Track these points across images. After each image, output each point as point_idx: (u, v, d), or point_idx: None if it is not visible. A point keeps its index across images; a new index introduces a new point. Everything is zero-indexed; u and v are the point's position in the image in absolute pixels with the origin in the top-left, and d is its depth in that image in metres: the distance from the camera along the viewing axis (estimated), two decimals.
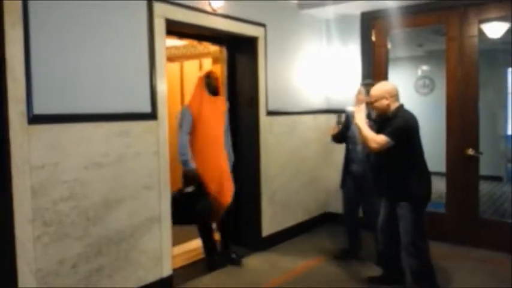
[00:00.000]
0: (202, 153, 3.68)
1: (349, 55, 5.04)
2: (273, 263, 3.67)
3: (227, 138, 3.96)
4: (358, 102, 3.70)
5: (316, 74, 5.08)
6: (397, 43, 5.76)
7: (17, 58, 2.45)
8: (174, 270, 3.44)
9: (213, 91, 3.80)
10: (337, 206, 5.05)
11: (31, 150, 2.51)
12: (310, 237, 4.72)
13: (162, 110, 3.29)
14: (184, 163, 3.63)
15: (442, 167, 4.61)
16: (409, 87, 8.50)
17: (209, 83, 3.77)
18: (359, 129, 3.08)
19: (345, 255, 4.03)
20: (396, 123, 2.99)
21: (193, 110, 3.68)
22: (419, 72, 8.73)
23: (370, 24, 4.90)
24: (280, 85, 4.53)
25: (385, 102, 3.07)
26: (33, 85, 2.52)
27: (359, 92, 3.79)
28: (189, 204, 3.58)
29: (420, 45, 7.54)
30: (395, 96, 3.10)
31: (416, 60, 8.49)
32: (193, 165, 3.62)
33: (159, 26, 3.26)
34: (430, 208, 4.88)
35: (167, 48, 3.48)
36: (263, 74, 4.27)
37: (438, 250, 4.18)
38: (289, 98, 4.68)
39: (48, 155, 2.60)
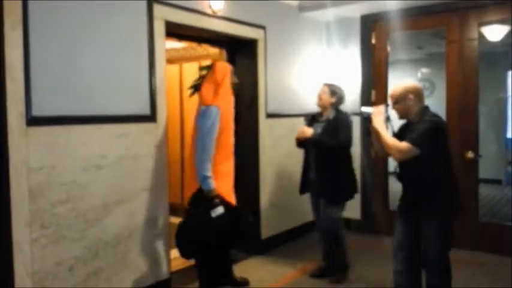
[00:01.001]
0: (220, 166, 3.09)
1: (349, 58, 5.03)
2: (272, 267, 3.65)
3: None
4: (320, 102, 3.65)
5: (316, 77, 5.07)
6: (397, 46, 5.75)
7: (17, 60, 2.45)
8: (172, 273, 3.42)
9: (234, 91, 3.30)
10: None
11: (29, 152, 2.50)
12: (309, 240, 4.70)
13: (161, 113, 3.28)
14: (204, 181, 2.99)
15: None
16: None
17: (232, 83, 3.25)
18: (377, 134, 2.71)
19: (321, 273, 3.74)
20: (422, 128, 2.59)
21: (222, 111, 3.07)
22: (419, 75, 8.73)
23: (370, 26, 4.90)
24: (280, 88, 4.53)
25: (408, 103, 2.70)
26: (32, 87, 2.52)
27: (323, 92, 3.66)
28: (221, 230, 2.99)
29: (420, 48, 7.55)
30: (419, 96, 2.73)
31: (416, 63, 8.49)
32: (213, 184, 3.00)
33: (159, 28, 3.25)
34: None
35: (167, 50, 3.48)
36: (263, 77, 4.26)
37: None
38: (288, 100, 4.67)
39: (46, 157, 2.59)
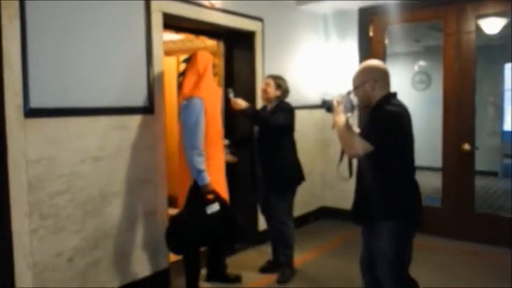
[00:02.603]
0: (212, 160, 3.02)
1: (347, 50, 5.04)
2: (270, 257, 3.68)
3: None
4: (265, 96, 3.53)
5: (313, 69, 5.08)
6: (395, 38, 5.76)
7: (14, 52, 2.44)
8: (171, 264, 3.45)
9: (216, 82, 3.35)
10: (333, 200, 5.09)
11: (27, 144, 2.51)
12: (306, 231, 4.74)
13: (159, 105, 3.28)
14: (198, 175, 2.91)
15: (438, 162, 4.64)
16: (406, 82, 8.51)
17: (214, 73, 3.23)
18: (337, 128, 2.31)
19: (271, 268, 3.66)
20: (377, 118, 2.23)
21: (206, 103, 2.98)
22: (416, 68, 8.74)
23: (368, 19, 4.90)
24: None
25: (367, 88, 2.28)
26: (30, 79, 2.51)
27: (267, 85, 3.52)
28: (215, 228, 2.93)
29: (417, 41, 7.55)
30: (381, 80, 2.29)
31: (414, 55, 8.50)
32: (208, 178, 2.93)
33: (157, 20, 3.25)
34: (426, 202, 4.96)
35: (164, 42, 3.47)
36: (260, 69, 4.26)
37: (434, 244, 4.23)
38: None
39: (45, 148, 2.60)
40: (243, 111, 3.34)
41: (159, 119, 3.28)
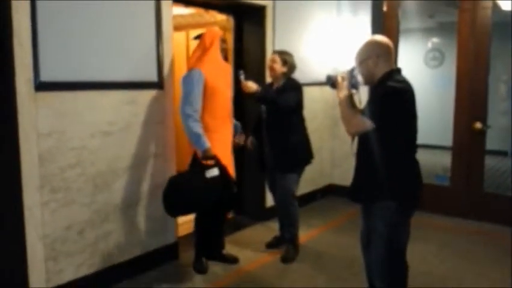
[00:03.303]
0: (216, 133, 3.03)
1: (359, 26, 4.94)
2: (276, 233, 3.72)
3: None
4: (272, 72, 3.44)
5: (325, 45, 5.00)
6: (408, 14, 5.64)
7: (24, 25, 2.43)
8: (179, 238, 3.50)
9: (225, 57, 3.29)
10: (341, 177, 5.09)
11: (38, 117, 2.52)
12: (314, 208, 4.76)
13: (168, 80, 3.27)
14: (197, 141, 2.90)
15: (448, 141, 4.59)
16: (419, 59, 8.37)
17: (222, 48, 3.17)
18: (339, 104, 2.30)
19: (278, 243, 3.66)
20: (378, 96, 2.16)
21: (207, 75, 2.97)
22: (430, 45, 8.58)
23: None
24: None
25: (370, 64, 2.22)
26: (40, 52, 2.50)
27: (273, 61, 3.42)
28: (213, 192, 2.87)
29: (431, 17, 7.38)
30: (385, 55, 2.21)
31: (427, 32, 8.33)
32: (207, 143, 2.91)
33: (166, 4, 3.21)
34: (434, 181, 4.96)
35: (173, 16, 3.43)
36: (271, 45, 4.21)
37: (442, 223, 4.25)
38: (297, 69, 4.61)
39: (56, 122, 2.61)
40: (253, 94, 3.27)
41: (168, 94, 3.27)
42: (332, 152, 5.20)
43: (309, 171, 3.77)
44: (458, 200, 4.47)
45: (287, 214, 3.51)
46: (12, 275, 2.59)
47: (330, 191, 5.23)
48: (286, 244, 3.54)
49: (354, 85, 2.28)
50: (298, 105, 3.39)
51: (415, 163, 2.25)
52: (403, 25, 5.13)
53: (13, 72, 2.42)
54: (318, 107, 4.91)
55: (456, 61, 4.47)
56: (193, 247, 3.29)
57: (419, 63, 8.28)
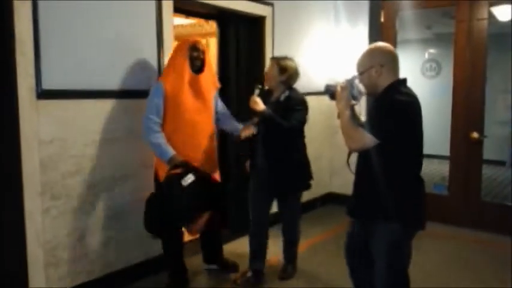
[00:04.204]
0: (180, 146, 2.87)
1: (357, 36, 5.00)
2: (272, 243, 3.71)
3: (227, 121, 3.27)
4: (267, 83, 3.10)
5: (323, 55, 5.06)
6: (406, 25, 5.70)
7: (26, 33, 2.47)
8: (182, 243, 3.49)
9: (198, 68, 2.94)
10: (340, 186, 5.11)
11: (40, 125, 2.55)
12: (312, 216, 4.77)
13: None
14: (160, 152, 2.82)
15: (446, 151, 4.63)
16: (416, 70, 8.45)
17: (194, 57, 2.90)
18: (340, 117, 2.12)
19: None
20: (383, 108, 2.02)
21: (167, 89, 2.84)
22: (427, 55, 8.66)
23: (379, 5, 4.86)
24: None
25: (373, 73, 2.08)
26: (42, 61, 2.54)
27: (270, 68, 3.09)
28: (195, 197, 2.72)
29: (429, 28, 7.47)
30: (389, 65, 2.08)
31: (424, 42, 8.41)
32: (172, 151, 2.80)
33: (167, 5, 3.25)
34: (432, 190, 4.98)
35: (174, 27, 3.47)
36: (270, 54, 4.25)
37: (440, 232, 4.26)
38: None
39: (57, 129, 2.64)
40: (259, 113, 2.93)
41: None
42: (331, 160, 5.23)
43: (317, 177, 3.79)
44: (456, 209, 4.49)
45: (293, 235, 3.33)
46: (13, 281, 2.60)
47: (329, 200, 5.25)
48: (285, 263, 3.36)
49: (354, 96, 2.11)
50: (303, 124, 3.09)
51: (421, 182, 2.13)
52: (400, 36, 5.20)
53: (15, 81, 2.45)
54: (316, 117, 4.93)
55: (453, 71, 4.52)
56: (168, 277, 3.08)
57: (416, 73, 8.36)
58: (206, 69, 2.96)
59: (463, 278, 3.33)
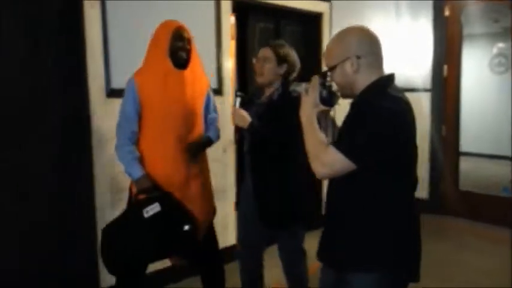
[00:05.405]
0: (153, 169, 2.19)
1: (420, 32, 4.82)
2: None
3: (210, 126, 2.43)
4: (261, 79, 2.32)
5: (385, 50, 4.91)
6: (472, 19, 5.43)
7: (96, 36, 2.61)
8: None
9: (182, 62, 2.21)
10: None
11: (110, 122, 2.65)
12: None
13: (228, 87, 3.37)
14: (127, 169, 2.16)
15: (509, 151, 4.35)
16: (484, 66, 8.03)
17: (177, 48, 2.19)
18: (303, 128, 1.53)
19: None
20: (360, 121, 1.42)
21: (142, 88, 2.16)
22: (495, 50, 8.19)
23: None
24: None
25: (347, 69, 1.49)
26: (111, 62, 2.67)
27: (264, 59, 2.30)
28: (155, 236, 2.11)
29: (496, 21, 7.06)
30: (369, 56, 1.50)
31: (492, 37, 7.96)
32: (141, 171, 2.14)
33: (226, 6, 3.32)
34: (501, 194, 4.69)
35: (232, 26, 3.54)
36: None
37: (503, 235, 3.99)
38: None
39: None
40: (247, 128, 2.23)
41: (227, 101, 3.35)
42: None
43: None
44: None
45: (298, 279, 2.51)
46: (84, 276, 2.71)
47: None
48: None
49: (325, 99, 1.52)
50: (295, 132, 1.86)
51: (412, 220, 1.54)
52: (466, 30, 4.96)
53: (86, 81, 2.60)
54: None
55: None
56: None
57: (483, 69, 7.94)
58: (193, 63, 2.26)
59: None
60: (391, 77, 1.54)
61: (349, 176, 1.43)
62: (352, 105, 1.52)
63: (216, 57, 3.27)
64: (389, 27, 4.97)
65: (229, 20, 3.39)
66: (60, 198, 2.58)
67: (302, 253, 2.48)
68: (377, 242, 1.47)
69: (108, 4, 2.65)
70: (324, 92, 1.52)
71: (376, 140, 1.38)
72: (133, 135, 2.17)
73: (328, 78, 1.54)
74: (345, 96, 1.56)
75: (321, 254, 1.62)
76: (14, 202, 2.42)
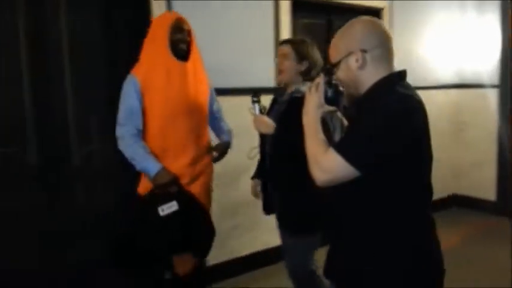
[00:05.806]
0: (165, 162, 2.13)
1: (486, 25, 4.62)
2: None
3: (215, 123, 2.49)
4: (280, 77, 2.23)
5: (448, 47, 4.76)
6: None
7: None
8: None
9: (183, 53, 2.17)
10: (467, 188, 4.76)
11: None
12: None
13: None
14: (143, 165, 2.08)
15: None
16: None
17: (177, 40, 2.14)
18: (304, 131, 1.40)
19: None
20: (366, 122, 1.27)
21: (142, 81, 2.10)
22: None
23: None
24: (409, 59, 4.17)
25: (352, 65, 1.35)
26: None
27: (283, 56, 2.20)
28: (169, 235, 2.05)
29: None
30: (376, 49, 1.35)
31: None
32: (158, 163, 2.08)
33: (284, 6, 3.39)
34: None
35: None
36: None
37: None
38: (420, 72, 4.36)
39: None
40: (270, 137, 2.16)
41: None
42: (457, 159, 4.86)
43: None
44: None
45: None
46: None
47: (454, 202, 4.90)
48: None
49: (331, 99, 1.40)
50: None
51: (428, 235, 1.36)
52: None
53: None
54: (441, 112, 4.65)
55: None
56: None
57: None
58: (194, 55, 2.21)
59: None
60: (401, 74, 1.39)
61: (356, 187, 1.28)
62: (357, 105, 1.40)
63: (275, 57, 3.32)
64: (454, 23, 4.81)
65: (288, 20, 3.43)
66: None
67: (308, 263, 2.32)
68: (391, 263, 1.31)
69: (175, 4, 2.78)
70: (330, 91, 1.40)
71: (386, 144, 1.24)
72: (138, 132, 2.12)
73: (334, 76, 1.41)
74: (350, 95, 1.42)
75: (326, 270, 1.48)
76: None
